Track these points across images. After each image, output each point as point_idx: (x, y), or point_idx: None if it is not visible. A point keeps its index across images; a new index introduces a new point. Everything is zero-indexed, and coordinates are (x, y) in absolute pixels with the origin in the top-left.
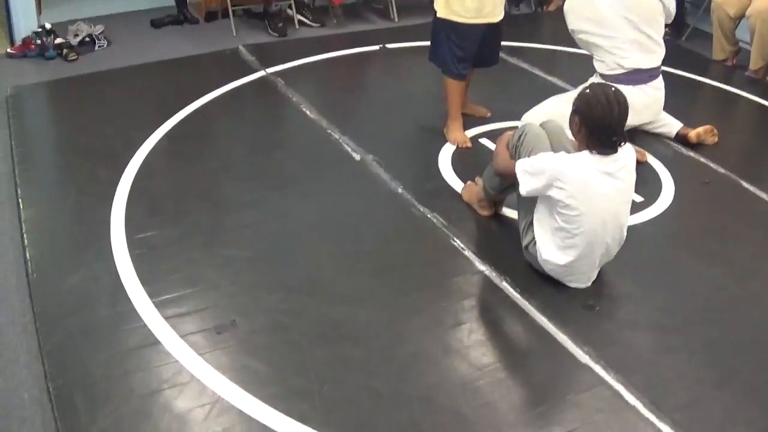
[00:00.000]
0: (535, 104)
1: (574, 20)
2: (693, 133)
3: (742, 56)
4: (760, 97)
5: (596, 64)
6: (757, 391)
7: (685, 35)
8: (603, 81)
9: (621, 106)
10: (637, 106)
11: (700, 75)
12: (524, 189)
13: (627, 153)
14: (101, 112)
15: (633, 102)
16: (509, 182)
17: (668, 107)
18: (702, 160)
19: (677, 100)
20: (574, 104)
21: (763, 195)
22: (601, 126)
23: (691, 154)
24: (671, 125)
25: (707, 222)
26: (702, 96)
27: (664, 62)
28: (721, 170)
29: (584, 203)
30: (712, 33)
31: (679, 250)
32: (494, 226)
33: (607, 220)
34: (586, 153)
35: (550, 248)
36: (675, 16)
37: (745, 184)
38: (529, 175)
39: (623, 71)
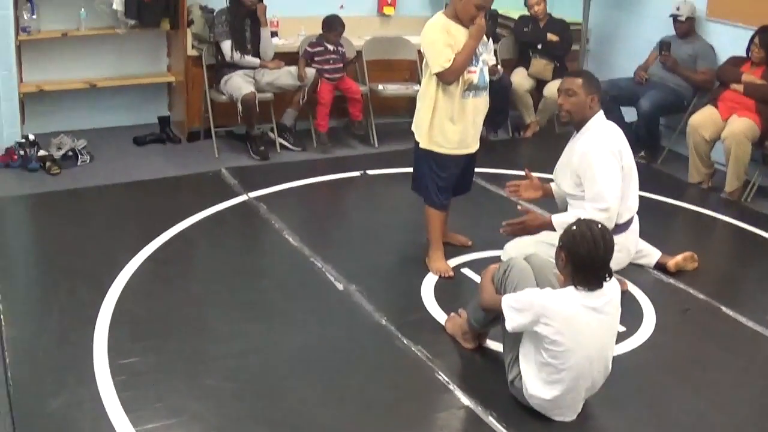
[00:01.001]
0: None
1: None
2: (672, 263)
3: (718, 178)
4: (737, 219)
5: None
6: None
7: (660, 158)
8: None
9: (607, 243)
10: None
11: (676, 198)
12: (510, 325)
13: (612, 287)
14: (83, 230)
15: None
16: (494, 316)
17: (646, 233)
18: (682, 286)
19: (654, 225)
20: (560, 240)
21: (743, 320)
22: (587, 263)
23: (671, 281)
24: (651, 255)
25: (690, 350)
26: (679, 220)
27: (640, 187)
28: (701, 296)
29: (570, 339)
30: (687, 156)
31: (662, 380)
32: (479, 360)
33: (593, 355)
34: (571, 289)
35: (536, 383)
36: (650, 140)
37: (726, 310)
38: (515, 311)
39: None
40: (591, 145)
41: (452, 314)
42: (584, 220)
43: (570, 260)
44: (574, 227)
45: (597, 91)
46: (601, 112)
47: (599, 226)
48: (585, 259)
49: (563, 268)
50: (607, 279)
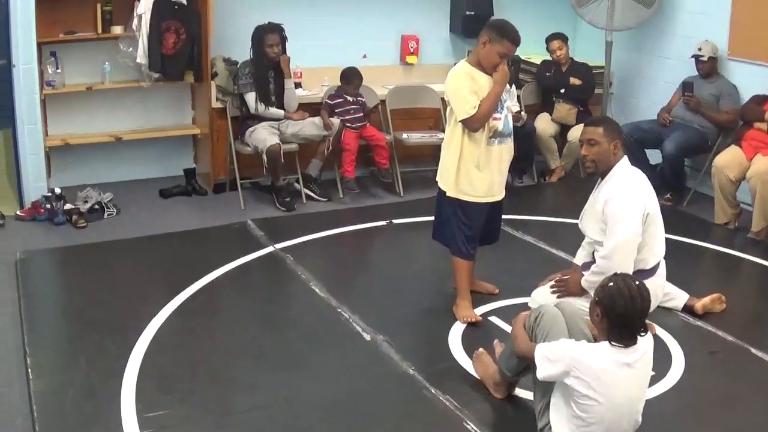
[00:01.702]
0: (541, 277)
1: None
2: (699, 305)
3: (744, 218)
4: (764, 258)
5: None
6: None
7: (686, 200)
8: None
9: (644, 300)
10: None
11: (702, 240)
12: (541, 374)
13: (646, 341)
14: (110, 283)
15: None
16: (526, 364)
17: (673, 275)
18: (710, 328)
19: (681, 267)
20: (596, 295)
21: None
22: (623, 320)
23: (699, 323)
24: (678, 298)
25: (719, 392)
26: (706, 261)
27: (667, 229)
28: (730, 338)
29: (602, 394)
30: (713, 196)
31: (691, 425)
32: (508, 408)
33: (624, 410)
34: (606, 344)
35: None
36: (676, 182)
37: (754, 351)
38: (548, 361)
39: (641, 269)
40: (616, 192)
41: (480, 350)
42: (621, 275)
43: (606, 316)
44: (611, 283)
45: (619, 137)
46: (626, 158)
47: (636, 282)
48: (622, 316)
49: (599, 323)
50: (642, 334)
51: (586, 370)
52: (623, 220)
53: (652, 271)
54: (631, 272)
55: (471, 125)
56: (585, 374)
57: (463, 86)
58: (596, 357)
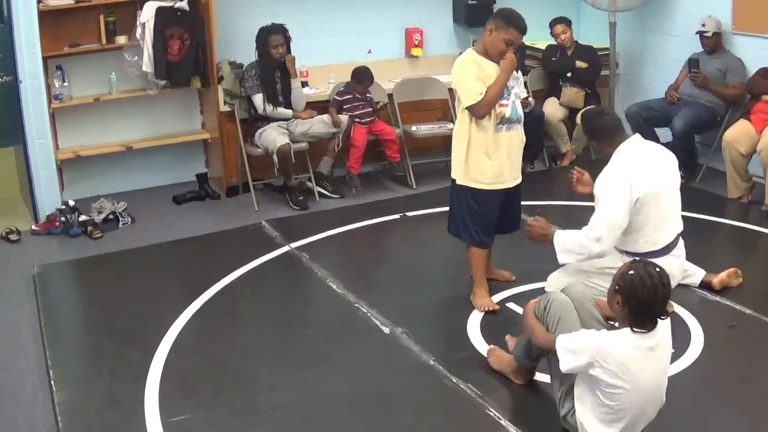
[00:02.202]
0: (556, 262)
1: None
2: (716, 281)
3: (757, 191)
4: None
5: (620, 243)
6: None
7: (698, 177)
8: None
9: (665, 288)
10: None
11: (716, 215)
12: (565, 367)
13: (665, 323)
14: (128, 291)
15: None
16: (542, 351)
17: (689, 252)
18: (728, 303)
19: (696, 243)
20: (616, 283)
21: None
22: (645, 309)
23: (717, 298)
24: (695, 275)
25: (739, 366)
26: (721, 236)
27: (681, 206)
28: (748, 311)
29: (628, 381)
30: (724, 171)
31: (713, 399)
32: (529, 394)
33: (651, 393)
34: (627, 331)
35: (593, 423)
36: (687, 159)
37: None
38: (570, 353)
39: (649, 251)
40: (604, 174)
41: (492, 347)
42: (641, 263)
43: (627, 304)
44: (632, 271)
45: (596, 132)
46: (635, 137)
47: (657, 269)
48: (643, 304)
49: (619, 311)
50: (663, 318)
51: (610, 360)
52: (605, 202)
53: (664, 251)
54: (608, 250)
55: (477, 111)
56: (609, 363)
57: (469, 73)
58: (619, 345)
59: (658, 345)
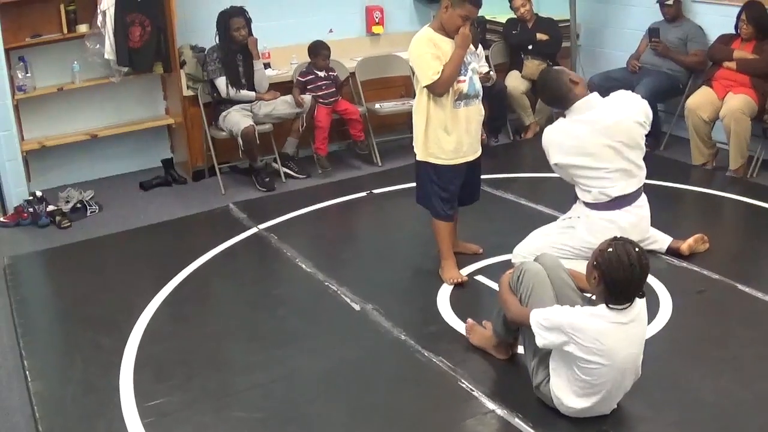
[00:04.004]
0: (524, 234)
1: (555, 154)
2: (684, 246)
3: (721, 157)
4: (744, 195)
5: (580, 194)
6: None
7: (662, 144)
8: (588, 210)
9: (643, 268)
10: (625, 226)
11: (682, 183)
12: (541, 342)
13: (641, 300)
14: (99, 279)
15: (619, 223)
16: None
17: (655, 219)
18: (695, 268)
19: (663, 210)
20: (594, 258)
21: (760, 295)
22: (621, 286)
23: (684, 264)
24: (662, 241)
25: (709, 330)
26: (687, 203)
27: (646, 174)
28: (715, 276)
29: (604, 356)
30: (688, 139)
31: (683, 363)
32: (502, 365)
33: (627, 366)
34: (603, 308)
35: (569, 396)
36: (651, 128)
37: (741, 287)
38: (545, 329)
39: (608, 199)
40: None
41: (470, 321)
42: (621, 240)
43: (603, 281)
44: (610, 248)
45: (552, 101)
46: (587, 97)
47: (636, 249)
48: (620, 283)
49: (596, 286)
50: (640, 297)
51: (585, 336)
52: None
53: (617, 204)
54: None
55: (435, 90)
56: (584, 340)
57: (425, 52)
58: (593, 321)
59: (633, 320)
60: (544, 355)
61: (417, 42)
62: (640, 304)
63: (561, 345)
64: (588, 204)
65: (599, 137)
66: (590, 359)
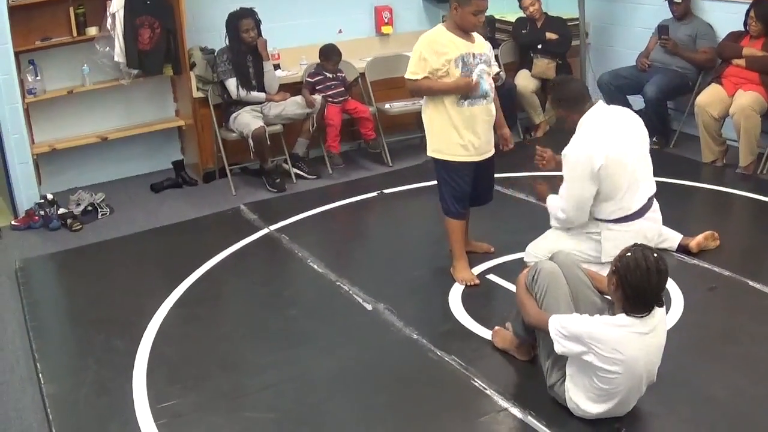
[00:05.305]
0: (536, 232)
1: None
2: (693, 243)
3: (731, 154)
4: (754, 192)
5: (594, 212)
6: None
7: (672, 142)
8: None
9: (661, 274)
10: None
11: (692, 180)
12: (559, 349)
13: (661, 309)
14: (111, 281)
15: (633, 231)
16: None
17: (666, 217)
18: (706, 266)
19: (673, 208)
20: (613, 264)
21: None
22: (638, 292)
23: (695, 261)
24: (672, 239)
25: (720, 327)
26: (697, 200)
27: (656, 172)
28: (726, 273)
29: (622, 366)
30: (698, 136)
31: (695, 359)
32: (515, 364)
33: (644, 375)
34: (622, 317)
35: (584, 401)
36: (660, 125)
37: (752, 283)
38: (564, 338)
39: (620, 216)
40: (566, 150)
41: (497, 328)
42: (641, 247)
43: (621, 287)
44: (629, 254)
45: (564, 101)
46: (597, 104)
47: (655, 254)
48: (637, 288)
49: (614, 291)
50: (659, 305)
51: (605, 347)
52: (568, 178)
53: (637, 215)
54: (576, 220)
55: (408, 86)
56: (604, 351)
57: (421, 50)
58: (613, 331)
59: (653, 330)
60: (559, 356)
61: (420, 39)
62: (659, 314)
63: (580, 354)
64: (600, 220)
65: (614, 158)
66: (609, 369)
